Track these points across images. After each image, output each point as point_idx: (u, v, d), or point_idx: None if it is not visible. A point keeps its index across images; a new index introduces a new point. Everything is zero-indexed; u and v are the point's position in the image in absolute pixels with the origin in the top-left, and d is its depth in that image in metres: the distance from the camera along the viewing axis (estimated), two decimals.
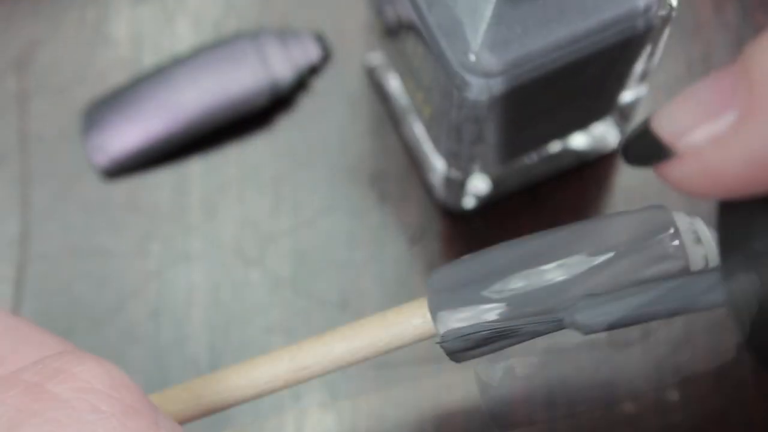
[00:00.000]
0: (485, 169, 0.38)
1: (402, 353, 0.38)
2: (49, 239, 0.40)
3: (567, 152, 0.39)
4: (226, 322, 0.39)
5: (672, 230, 0.26)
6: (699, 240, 0.26)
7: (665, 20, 0.32)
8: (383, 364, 0.38)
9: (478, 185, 0.38)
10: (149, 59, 0.41)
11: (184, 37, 0.42)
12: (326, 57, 0.41)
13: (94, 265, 0.39)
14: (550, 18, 0.30)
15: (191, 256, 0.39)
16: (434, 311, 0.27)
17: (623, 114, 0.38)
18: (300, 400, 0.38)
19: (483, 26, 0.30)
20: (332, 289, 0.39)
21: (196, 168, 0.40)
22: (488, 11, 0.30)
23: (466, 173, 0.37)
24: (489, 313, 0.26)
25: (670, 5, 0.31)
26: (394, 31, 0.35)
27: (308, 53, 0.41)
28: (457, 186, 0.38)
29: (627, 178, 0.40)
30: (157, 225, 0.40)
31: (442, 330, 0.27)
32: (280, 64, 0.40)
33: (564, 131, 0.38)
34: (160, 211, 0.40)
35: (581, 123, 0.38)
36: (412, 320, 0.28)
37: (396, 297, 0.39)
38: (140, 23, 0.42)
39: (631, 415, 0.38)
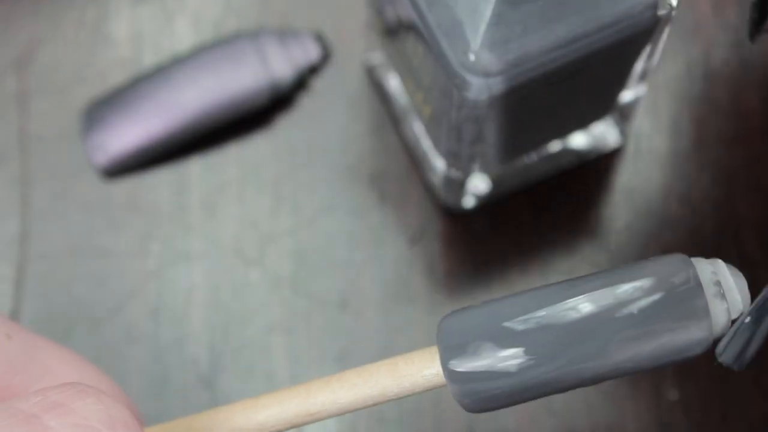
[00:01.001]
0: (485, 169, 0.38)
1: (402, 350, 0.38)
2: (49, 239, 0.40)
3: (567, 152, 0.39)
4: (225, 322, 0.39)
5: (694, 285, 0.25)
6: (721, 293, 0.25)
7: (665, 20, 0.32)
8: None
9: (478, 185, 0.38)
10: (149, 59, 0.41)
11: (183, 36, 0.42)
12: (326, 57, 0.41)
13: (94, 265, 0.39)
14: (550, 18, 0.30)
15: (191, 256, 0.39)
16: (445, 361, 0.26)
17: (623, 114, 0.38)
18: None
19: (483, 26, 0.30)
20: (332, 289, 0.39)
21: (196, 168, 0.40)
22: (488, 11, 0.30)
23: (466, 173, 0.37)
24: (505, 362, 0.25)
25: (670, 5, 0.31)
26: (394, 31, 0.35)
27: (308, 53, 0.41)
28: (457, 186, 0.38)
29: (627, 178, 0.40)
30: (157, 225, 0.40)
31: (452, 383, 0.26)
32: (280, 64, 0.40)
33: (564, 131, 0.38)
34: (160, 211, 0.40)
35: (581, 123, 0.38)
36: (424, 371, 0.26)
37: (396, 297, 0.39)
38: (140, 23, 0.42)
39: (631, 415, 0.38)
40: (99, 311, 0.39)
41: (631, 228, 0.39)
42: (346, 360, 0.38)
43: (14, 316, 0.39)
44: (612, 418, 0.38)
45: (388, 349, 0.38)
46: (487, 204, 0.39)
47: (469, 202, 0.39)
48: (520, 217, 0.40)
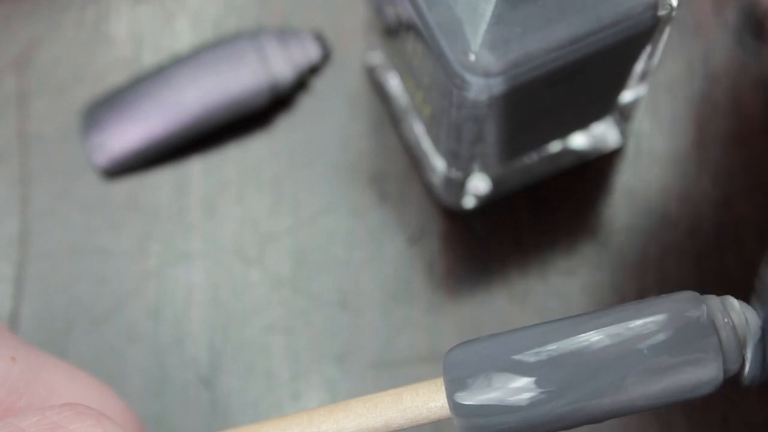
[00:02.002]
0: (485, 169, 0.38)
1: (402, 353, 0.38)
2: (49, 238, 0.40)
3: (567, 152, 0.39)
4: (225, 321, 0.39)
5: (706, 323, 0.25)
6: (734, 330, 0.25)
7: (665, 20, 0.32)
8: (383, 363, 0.38)
9: (478, 185, 0.38)
10: (149, 59, 0.41)
11: (183, 36, 0.42)
12: (326, 56, 0.41)
13: (94, 265, 0.39)
14: (550, 18, 0.30)
15: (191, 255, 0.39)
16: (451, 394, 0.25)
17: (623, 114, 0.38)
18: (300, 400, 0.38)
19: (483, 26, 0.30)
20: (332, 289, 0.39)
21: (196, 168, 0.40)
22: (488, 11, 0.30)
23: (466, 173, 0.37)
24: (515, 395, 0.25)
25: (670, 5, 0.31)
26: (394, 31, 0.35)
27: (308, 53, 0.41)
28: (457, 186, 0.38)
29: (627, 179, 0.40)
30: (156, 225, 0.40)
31: (458, 416, 0.25)
32: (280, 64, 0.40)
33: (564, 131, 0.38)
34: (160, 210, 0.40)
35: (581, 123, 0.38)
36: (429, 404, 0.26)
37: (395, 296, 0.39)
38: (140, 23, 0.42)
39: (632, 415, 0.38)
40: (99, 311, 0.39)
41: (631, 228, 0.39)
42: (345, 359, 0.38)
43: (14, 315, 0.39)
44: (613, 419, 0.38)
45: (387, 349, 0.38)
46: (487, 204, 0.39)
47: (469, 202, 0.39)
48: (520, 217, 0.40)
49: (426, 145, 0.38)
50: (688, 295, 0.25)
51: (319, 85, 0.41)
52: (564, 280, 0.39)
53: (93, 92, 0.41)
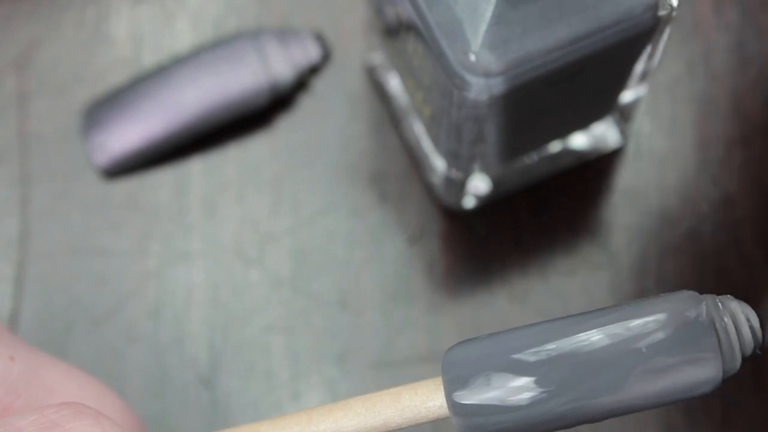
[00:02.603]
0: (485, 169, 0.38)
1: (402, 353, 0.38)
2: (49, 238, 0.40)
3: (567, 152, 0.39)
4: (225, 321, 0.39)
5: (705, 323, 0.25)
6: (733, 330, 0.25)
7: (665, 20, 0.32)
8: (383, 363, 0.38)
9: (478, 185, 0.38)
10: (149, 59, 0.41)
11: (183, 36, 0.42)
12: (326, 57, 0.41)
13: (94, 265, 0.39)
14: (550, 18, 0.30)
15: (191, 255, 0.39)
16: (449, 393, 0.25)
17: (623, 114, 0.38)
18: (300, 400, 0.38)
19: (483, 26, 0.30)
20: (332, 289, 0.39)
21: (196, 168, 0.40)
22: (488, 11, 0.30)
23: (466, 173, 0.37)
24: (516, 395, 0.25)
25: (670, 5, 0.31)
26: (394, 31, 0.35)
27: (308, 53, 0.41)
28: (457, 186, 0.38)
29: (627, 179, 0.40)
30: (156, 225, 0.40)
31: (456, 415, 0.25)
32: (280, 64, 0.40)
33: (564, 131, 0.38)
34: (160, 210, 0.40)
35: (581, 123, 0.38)
36: (427, 403, 0.26)
37: (395, 296, 0.39)
38: (140, 23, 0.42)
39: (632, 415, 0.38)
40: (98, 310, 0.39)
41: (631, 228, 0.39)
42: (345, 359, 0.38)
43: (14, 315, 0.39)
44: (612, 418, 0.38)
45: (387, 349, 0.38)
46: (487, 204, 0.39)
47: (469, 202, 0.39)
48: (520, 217, 0.40)
49: (426, 145, 0.38)
50: (688, 294, 0.25)
51: (319, 85, 0.41)
52: (564, 280, 0.39)
53: (93, 92, 0.41)
